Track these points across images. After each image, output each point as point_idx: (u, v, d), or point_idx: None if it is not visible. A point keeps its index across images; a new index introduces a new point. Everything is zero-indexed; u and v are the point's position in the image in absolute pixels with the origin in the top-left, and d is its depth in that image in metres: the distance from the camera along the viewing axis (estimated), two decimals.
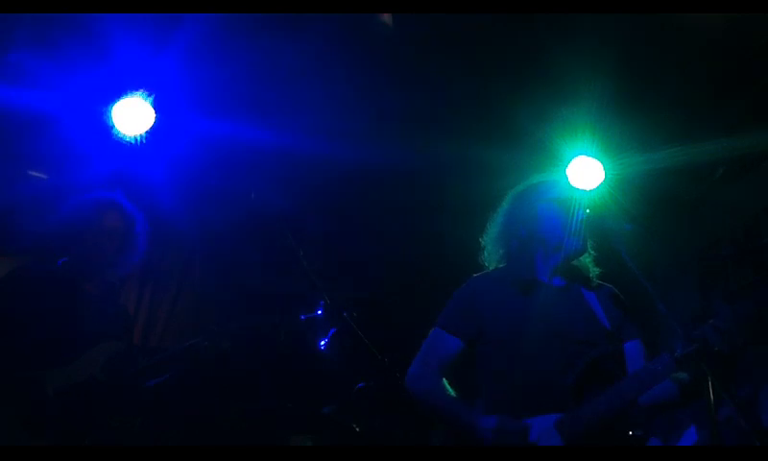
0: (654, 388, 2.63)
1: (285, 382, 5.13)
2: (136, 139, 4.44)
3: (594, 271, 3.03)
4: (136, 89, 4.19)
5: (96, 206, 3.58)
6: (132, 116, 4.26)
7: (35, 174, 4.98)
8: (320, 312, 3.64)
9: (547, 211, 2.99)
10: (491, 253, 3.11)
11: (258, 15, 3.89)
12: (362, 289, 5.67)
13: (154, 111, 4.29)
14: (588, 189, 3.51)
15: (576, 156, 4.47)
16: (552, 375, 2.72)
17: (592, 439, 2.60)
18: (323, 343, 3.64)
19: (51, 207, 3.65)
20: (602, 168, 4.49)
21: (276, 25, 4.12)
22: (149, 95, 4.22)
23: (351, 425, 3.74)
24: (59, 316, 3.32)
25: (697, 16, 3.88)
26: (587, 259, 3.02)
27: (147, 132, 4.37)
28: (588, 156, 4.47)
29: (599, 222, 2.93)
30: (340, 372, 4.00)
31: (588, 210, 2.94)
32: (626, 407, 2.64)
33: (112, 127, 4.32)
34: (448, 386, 2.89)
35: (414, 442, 4.18)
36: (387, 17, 3.97)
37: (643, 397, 2.67)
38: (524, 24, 4.13)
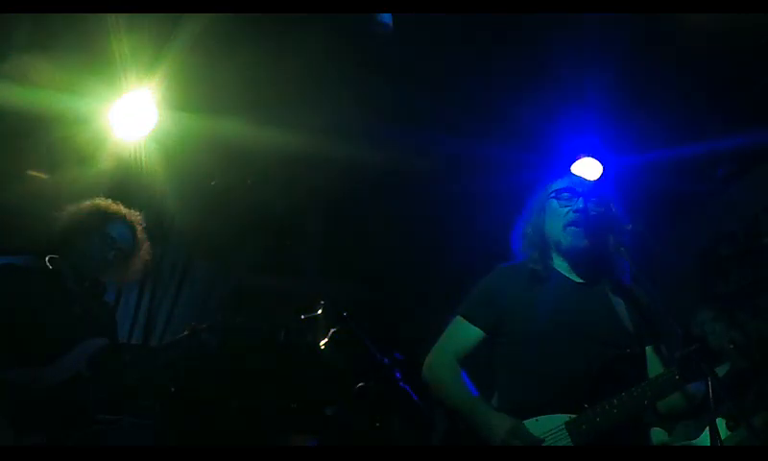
0: (670, 396, 2.63)
1: (285, 382, 5.13)
2: (137, 139, 4.44)
3: (622, 270, 2.98)
4: (137, 89, 4.19)
5: (109, 215, 3.59)
6: (133, 116, 4.27)
7: (35, 174, 4.97)
8: (320, 312, 3.63)
9: (549, 207, 2.98)
10: (517, 247, 3.07)
11: (258, 16, 3.89)
12: (362, 289, 5.68)
13: (154, 111, 4.29)
14: (588, 189, 3.50)
15: (578, 154, 4.47)
16: (569, 373, 2.68)
17: (601, 442, 2.59)
18: (322, 343, 3.64)
19: (57, 205, 3.64)
20: (602, 167, 4.50)
21: (276, 25, 4.12)
22: (149, 95, 4.22)
23: (351, 425, 3.74)
24: (39, 313, 3.30)
25: (697, 16, 3.88)
26: (615, 257, 2.96)
27: (148, 131, 4.37)
28: (589, 155, 4.48)
29: (601, 222, 2.91)
30: (340, 372, 4.00)
31: (589, 202, 2.91)
32: (639, 413, 2.63)
33: (113, 127, 4.32)
34: (467, 378, 2.85)
35: (414, 442, 4.17)
36: (387, 17, 3.96)
37: (661, 404, 2.67)
38: (526, 24, 4.13)
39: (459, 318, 2.92)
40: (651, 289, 2.70)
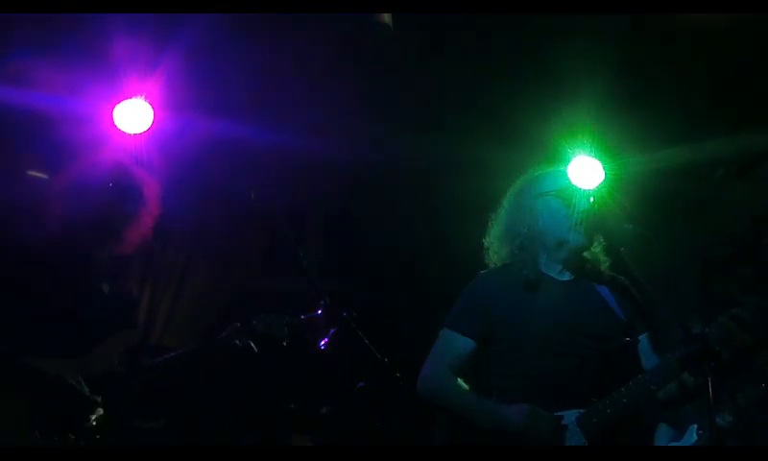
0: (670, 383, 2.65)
1: (285, 382, 5.12)
2: (137, 139, 4.43)
3: (605, 262, 2.98)
4: (136, 89, 4.19)
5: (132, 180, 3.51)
6: (133, 116, 4.26)
7: (35, 174, 4.97)
8: (320, 312, 3.63)
9: (547, 206, 2.96)
10: (495, 252, 3.06)
11: (258, 15, 3.89)
12: (362, 289, 5.67)
13: (154, 111, 4.28)
14: (587, 189, 3.51)
15: (576, 156, 4.46)
16: (568, 372, 2.70)
17: (612, 435, 2.59)
18: (323, 343, 3.64)
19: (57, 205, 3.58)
20: (602, 168, 4.48)
21: (275, 25, 4.12)
22: (149, 95, 4.22)
23: (351, 425, 3.74)
24: (69, 295, 3.18)
25: (698, 16, 3.88)
26: (597, 249, 2.98)
27: (147, 131, 4.36)
28: (588, 156, 4.46)
29: (600, 221, 2.91)
30: (340, 372, 4.00)
31: (591, 200, 2.91)
32: (645, 402, 2.64)
33: (112, 127, 4.31)
34: (463, 383, 2.84)
35: (414, 442, 4.17)
36: (386, 17, 3.96)
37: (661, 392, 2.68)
38: (524, 24, 4.13)
39: (448, 330, 2.90)
40: (646, 283, 2.71)
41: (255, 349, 3.36)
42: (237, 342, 3.32)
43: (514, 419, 2.61)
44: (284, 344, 3.41)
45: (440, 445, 3.87)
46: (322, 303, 3.57)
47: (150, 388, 3.26)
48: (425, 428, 4.09)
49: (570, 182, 3.01)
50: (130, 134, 4.33)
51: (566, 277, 2.94)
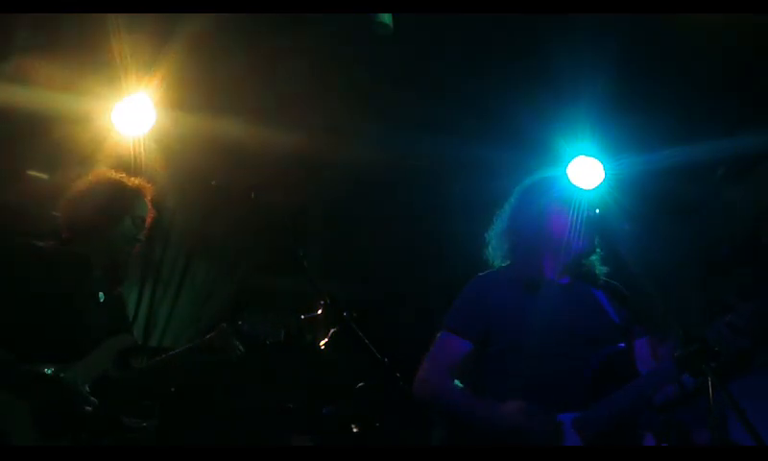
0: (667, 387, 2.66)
1: (285, 382, 5.12)
2: (137, 139, 4.43)
3: (601, 268, 3.00)
4: (137, 88, 4.19)
5: (135, 194, 3.44)
6: (133, 116, 4.26)
7: (35, 174, 4.97)
8: (320, 312, 3.62)
9: (553, 209, 2.96)
10: (495, 248, 3.07)
11: (258, 15, 3.89)
12: (363, 289, 5.68)
13: (154, 111, 4.29)
14: (588, 189, 3.50)
15: (576, 156, 4.46)
16: (566, 374, 2.70)
17: (609, 438, 2.60)
18: (322, 343, 3.63)
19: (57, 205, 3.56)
20: (602, 168, 4.49)
21: (276, 24, 4.12)
22: (149, 94, 4.22)
23: (351, 425, 3.74)
24: (70, 302, 3.16)
25: (697, 16, 3.88)
26: (593, 256, 2.99)
27: (147, 131, 4.36)
28: (588, 156, 4.47)
29: (600, 222, 2.91)
30: (340, 372, 4.00)
31: (595, 209, 2.91)
32: (642, 405, 2.65)
33: (113, 126, 4.31)
34: (460, 385, 2.85)
35: (414, 442, 4.17)
36: (386, 17, 3.97)
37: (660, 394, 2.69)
38: (524, 24, 4.13)
39: (446, 332, 2.90)
40: (650, 289, 2.71)
41: (242, 349, 3.34)
42: (223, 343, 3.30)
43: (509, 416, 2.62)
44: (267, 342, 3.37)
45: (440, 445, 3.87)
46: (322, 303, 3.56)
47: (142, 389, 3.27)
48: (425, 428, 4.09)
49: (576, 187, 3.02)
50: (130, 134, 4.34)
51: (565, 280, 2.94)
